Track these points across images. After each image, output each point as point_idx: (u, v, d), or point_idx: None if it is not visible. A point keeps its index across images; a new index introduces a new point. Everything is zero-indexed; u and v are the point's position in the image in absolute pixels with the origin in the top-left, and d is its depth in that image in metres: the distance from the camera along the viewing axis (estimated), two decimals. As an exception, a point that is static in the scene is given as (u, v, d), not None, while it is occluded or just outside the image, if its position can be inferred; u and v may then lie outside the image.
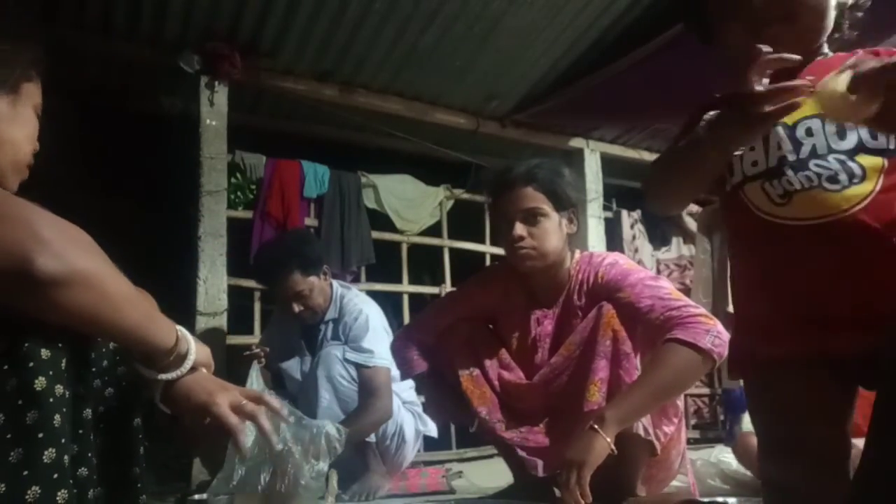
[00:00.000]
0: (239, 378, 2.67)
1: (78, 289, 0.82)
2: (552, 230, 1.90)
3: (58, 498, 0.82)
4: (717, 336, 1.65)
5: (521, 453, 1.89)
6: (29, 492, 0.80)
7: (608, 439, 1.57)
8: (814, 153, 1.06)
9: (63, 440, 0.84)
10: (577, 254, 2.00)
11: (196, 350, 0.99)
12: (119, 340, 0.93)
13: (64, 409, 0.85)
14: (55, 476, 0.82)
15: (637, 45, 3.22)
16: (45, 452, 0.81)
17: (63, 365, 0.85)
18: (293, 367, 2.76)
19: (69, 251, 0.82)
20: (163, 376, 0.96)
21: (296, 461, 2.13)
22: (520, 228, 1.87)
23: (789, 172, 1.06)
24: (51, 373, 0.83)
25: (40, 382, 0.82)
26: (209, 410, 0.97)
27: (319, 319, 2.74)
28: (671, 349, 1.66)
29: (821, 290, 1.04)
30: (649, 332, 1.75)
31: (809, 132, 1.07)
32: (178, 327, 0.98)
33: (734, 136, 1.01)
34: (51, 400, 0.83)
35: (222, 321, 3.16)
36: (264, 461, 2.15)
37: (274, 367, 2.72)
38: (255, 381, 2.31)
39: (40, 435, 0.81)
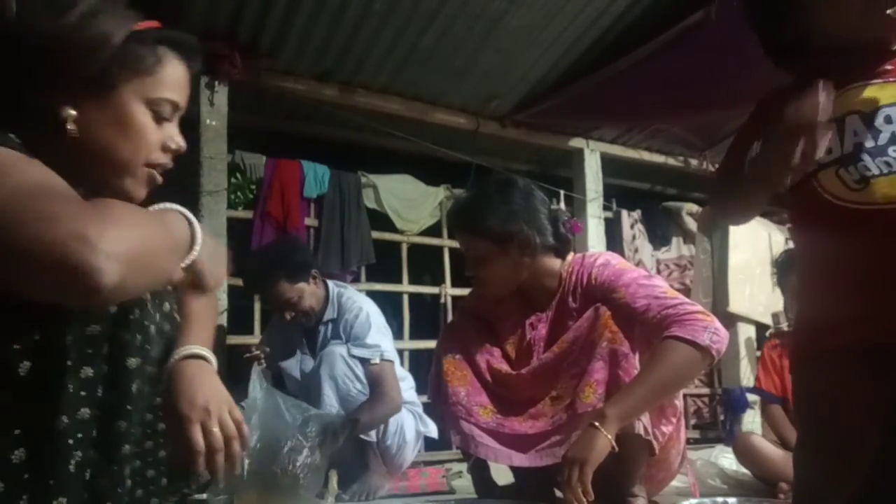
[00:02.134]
0: (239, 378, 2.69)
1: (132, 277, 0.76)
2: (498, 268, 1.91)
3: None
4: (714, 332, 1.65)
5: (493, 443, 1.87)
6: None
7: (609, 436, 1.56)
8: (893, 140, 1.03)
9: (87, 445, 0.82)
10: (570, 256, 2.00)
11: (201, 244, 0.91)
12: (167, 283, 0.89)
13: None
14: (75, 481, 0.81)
15: (637, 45, 3.23)
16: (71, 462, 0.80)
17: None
18: (293, 366, 2.77)
19: (116, 241, 0.73)
20: (183, 263, 0.89)
21: (296, 448, 2.14)
22: (469, 268, 1.98)
23: (866, 158, 1.03)
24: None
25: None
26: (182, 426, 0.89)
27: (317, 320, 2.75)
28: (670, 346, 1.65)
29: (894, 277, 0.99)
30: (646, 332, 1.74)
31: (889, 120, 1.04)
32: (185, 214, 0.92)
33: (768, 175, 1.04)
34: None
35: (222, 321, 3.16)
36: (264, 454, 2.16)
37: (274, 367, 2.74)
38: (257, 383, 2.32)
39: (70, 441, 0.80)
